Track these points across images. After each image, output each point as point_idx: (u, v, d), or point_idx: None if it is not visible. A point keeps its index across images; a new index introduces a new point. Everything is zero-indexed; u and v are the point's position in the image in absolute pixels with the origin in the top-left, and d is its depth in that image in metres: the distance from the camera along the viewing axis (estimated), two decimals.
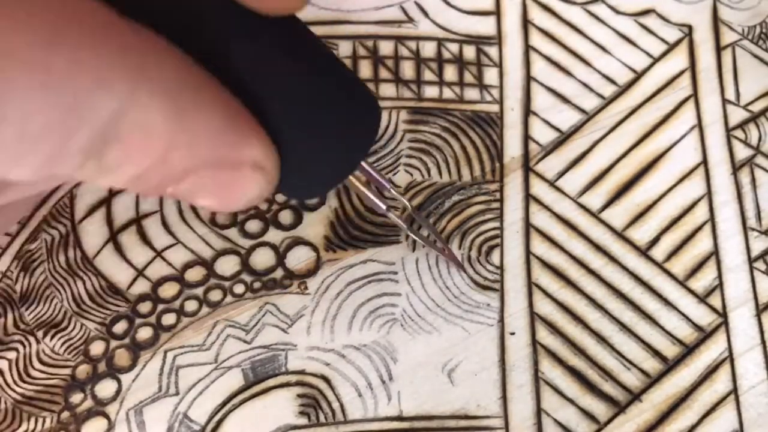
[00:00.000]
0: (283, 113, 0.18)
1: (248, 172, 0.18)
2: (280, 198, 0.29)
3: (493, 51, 0.32)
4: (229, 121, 0.17)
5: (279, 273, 0.28)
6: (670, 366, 0.27)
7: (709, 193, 0.30)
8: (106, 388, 0.26)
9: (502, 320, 0.27)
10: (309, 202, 0.29)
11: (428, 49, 0.32)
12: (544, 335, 0.27)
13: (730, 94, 0.32)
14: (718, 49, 0.32)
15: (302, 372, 0.26)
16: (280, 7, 0.18)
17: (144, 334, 0.27)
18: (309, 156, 0.20)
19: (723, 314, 0.28)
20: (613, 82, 0.32)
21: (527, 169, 0.30)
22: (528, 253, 0.29)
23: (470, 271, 0.28)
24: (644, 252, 0.29)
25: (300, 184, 0.21)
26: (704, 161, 0.30)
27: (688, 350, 0.27)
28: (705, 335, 0.27)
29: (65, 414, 0.26)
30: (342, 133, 0.20)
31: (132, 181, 0.17)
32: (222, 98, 0.17)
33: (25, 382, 0.26)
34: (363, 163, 0.23)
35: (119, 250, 0.28)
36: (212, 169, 0.18)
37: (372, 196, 0.25)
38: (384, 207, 0.25)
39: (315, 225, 0.29)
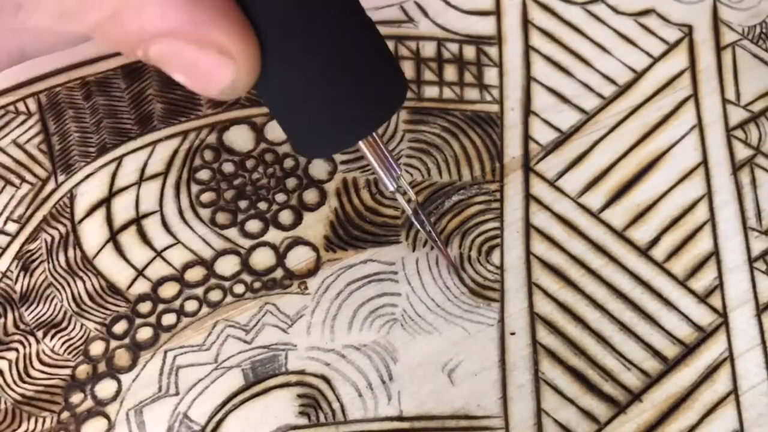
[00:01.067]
0: (308, 54, 0.19)
1: (214, 55, 0.19)
2: (280, 198, 0.29)
3: (493, 51, 0.32)
4: (204, 3, 0.18)
5: (279, 273, 0.28)
6: (670, 366, 0.27)
7: (709, 193, 0.30)
8: (106, 388, 0.26)
9: (502, 320, 0.27)
10: (309, 202, 0.29)
11: (428, 49, 0.32)
12: (544, 335, 0.27)
13: (730, 94, 0.32)
14: (718, 49, 0.32)
15: (302, 372, 0.26)
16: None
17: (144, 334, 0.27)
18: (325, 106, 0.21)
19: (723, 314, 0.28)
20: (613, 82, 0.32)
21: (527, 169, 0.30)
22: (528, 253, 0.29)
23: (470, 271, 0.28)
24: (644, 252, 0.29)
25: (311, 135, 0.21)
26: (704, 161, 0.30)
27: (689, 350, 0.27)
28: (705, 335, 0.27)
29: (65, 414, 0.26)
30: (362, 93, 0.21)
31: (98, 27, 0.18)
32: None
33: (25, 382, 0.26)
34: (379, 141, 0.23)
35: (119, 250, 0.28)
36: (179, 41, 0.18)
37: (382, 173, 0.24)
38: (392, 187, 0.25)
39: (315, 225, 0.29)
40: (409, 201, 0.27)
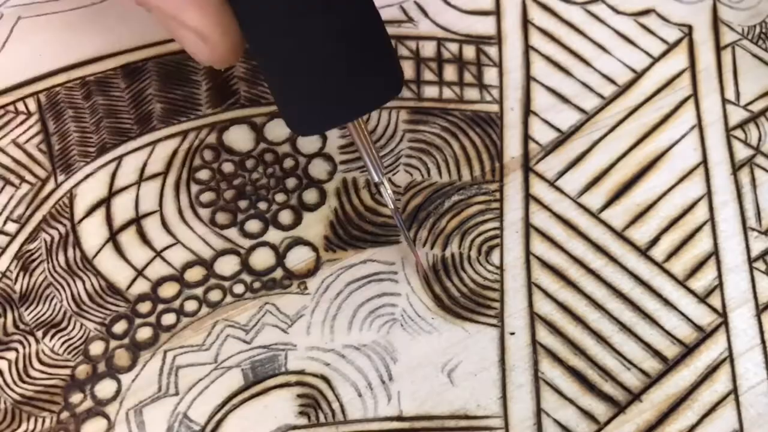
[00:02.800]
0: (307, 35, 0.21)
1: (189, 35, 0.22)
2: (280, 198, 0.29)
3: (492, 51, 0.32)
4: None
5: (279, 273, 0.28)
6: (670, 366, 0.27)
7: (709, 193, 0.30)
8: (105, 388, 0.26)
9: (502, 320, 0.27)
10: (309, 202, 0.29)
11: (428, 49, 0.32)
12: (544, 335, 0.27)
13: (730, 94, 0.32)
14: (718, 48, 0.32)
15: (302, 372, 0.26)
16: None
17: (144, 334, 0.27)
18: (319, 84, 0.22)
19: (723, 314, 0.28)
20: (613, 82, 0.32)
21: (527, 169, 0.30)
22: (528, 253, 0.29)
23: (470, 271, 0.28)
24: (644, 252, 0.29)
25: (303, 111, 0.23)
26: (704, 161, 0.30)
27: (688, 350, 0.27)
28: (705, 335, 0.27)
29: (65, 414, 0.26)
30: (359, 77, 0.22)
31: None
32: None
33: (24, 382, 0.26)
34: (366, 133, 0.24)
35: (119, 250, 0.28)
36: (163, 12, 0.21)
37: (369, 162, 0.25)
38: (377, 178, 0.25)
39: (315, 225, 0.29)
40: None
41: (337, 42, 0.21)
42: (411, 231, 0.29)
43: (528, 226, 0.29)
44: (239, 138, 0.30)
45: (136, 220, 0.28)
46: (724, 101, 0.31)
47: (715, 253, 0.29)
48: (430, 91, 0.31)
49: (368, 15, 0.22)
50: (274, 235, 0.28)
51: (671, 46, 0.32)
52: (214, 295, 0.27)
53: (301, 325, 0.27)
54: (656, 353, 0.27)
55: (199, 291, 0.28)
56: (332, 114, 0.23)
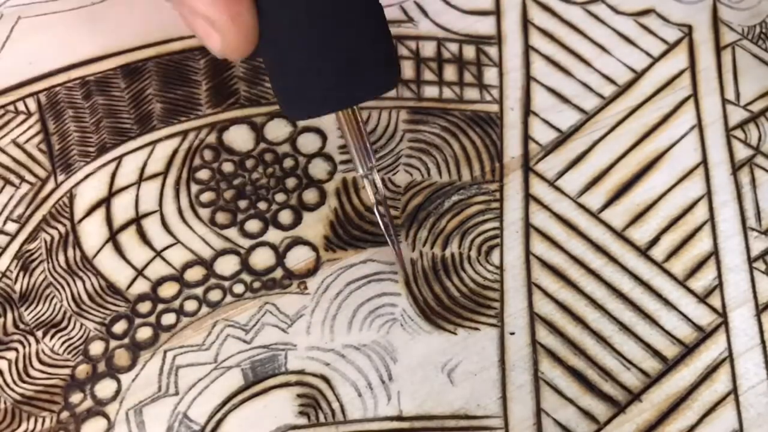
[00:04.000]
0: (308, 22, 0.21)
1: (203, 25, 0.22)
2: (280, 198, 0.29)
3: (492, 51, 0.32)
4: None
5: (279, 273, 0.28)
6: (670, 366, 0.27)
7: (709, 193, 0.30)
8: (105, 388, 0.26)
9: (502, 320, 0.27)
10: (309, 202, 0.29)
11: (428, 49, 0.32)
12: (544, 335, 0.27)
13: (730, 94, 0.32)
14: (718, 49, 0.32)
15: (302, 372, 0.26)
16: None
17: (143, 334, 0.27)
18: (315, 70, 0.22)
19: (723, 314, 0.28)
20: (613, 82, 0.32)
21: (527, 169, 0.30)
22: (528, 253, 0.29)
23: (470, 271, 0.28)
24: (644, 252, 0.29)
25: (297, 94, 0.23)
26: (704, 161, 0.30)
27: (688, 350, 0.27)
28: (705, 335, 0.27)
29: (65, 414, 0.26)
30: (356, 66, 0.22)
31: None
32: None
33: (24, 382, 0.26)
34: (361, 124, 0.25)
35: (119, 250, 0.28)
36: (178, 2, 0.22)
37: (355, 153, 0.25)
38: (362, 171, 0.25)
39: (315, 225, 0.29)
40: (377, 193, 0.27)
41: (337, 27, 0.22)
42: (411, 231, 0.29)
43: (528, 226, 0.29)
44: (239, 138, 0.30)
45: (136, 220, 0.28)
46: (724, 101, 0.31)
47: (715, 253, 0.29)
48: (430, 91, 0.31)
49: (373, 7, 0.23)
50: (274, 235, 0.28)
51: (671, 46, 0.32)
52: (214, 295, 0.27)
53: (301, 325, 0.27)
54: (656, 353, 0.27)
55: (199, 291, 0.28)
56: (325, 100, 0.23)
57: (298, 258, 0.28)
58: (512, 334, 0.27)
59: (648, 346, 0.27)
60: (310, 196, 0.29)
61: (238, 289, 0.28)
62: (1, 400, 0.26)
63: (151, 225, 0.28)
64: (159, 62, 0.31)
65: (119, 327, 0.27)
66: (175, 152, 0.30)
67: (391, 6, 0.32)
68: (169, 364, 0.26)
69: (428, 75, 0.31)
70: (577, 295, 0.28)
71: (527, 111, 0.31)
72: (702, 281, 0.28)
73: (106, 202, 0.29)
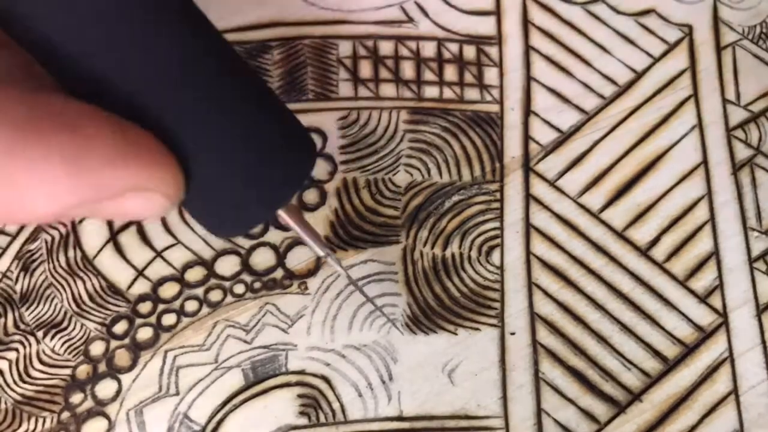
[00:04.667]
0: (199, 141, 0.18)
1: (132, 201, 0.17)
2: None
3: (493, 51, 0.32)
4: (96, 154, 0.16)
5: (279, 273, 0.28)
6: (670, 366, 0.27)
7: (709, 193, 0.30)
8: (106, 389, 0.26)
9: (502, 320, 0.27)
10: (309, 202, 0.29)
11: (428, 49, 0.32)
12: (544, 335, 0.27)
13: (731, 94, 0.32)
14: (719, 49, 0.32)
15: (302, 372, 0.26)
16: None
17: (144, 334, 0.27)
18: (226, 190, 0.19)
19: (723, 314, 0.28)
20: (613, 82, 0.32)
21: (527, 169, 0.30)
22: (528, 253, 0.29)
23: (470, 271, 0.28)
24: (644, 252, 0.29)
25: (219, 219, 0.20)
26: (704, 161, 0.30)
27: (689, 350, 0.27)
28: (705, 335, 0.27)
29: (65, 414, 0.26)
30: (265, 172, 0.19)
31: None
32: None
33: (25, 382, 0.26)
34: (295, 217, 0.22)
35: (119, 250, 0.28)
36: (87, 207, 0.17)
37: (310, 241, 0.23)
38: (323, 253, 0.24)
39: (315, 225, 0.29)
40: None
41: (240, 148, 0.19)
42: (411, 231, 0.29)
43: (528, 226, 0.29)
44: None
45: (137, 220, 0.28)
46: (725, 101, 0.31)
47: (715, 253, 0.29)
48: (431, 91, 0.31)
49: (266, 101, 0.19)
50: (274, 235, 0.29)
51: (671, 47, 0.32)
52: (215, 295, 0.28)
53: (301, 325, 0.27)
54: (656, 353, 0.27)
55: (199, 291, 0.28)
56: (249, 216, 0.21)
57: (299, 258, 0.28)
58: (513, 334, 0.27)
59: (648, 347, 0.27)
60: (311, 196, 0.29)
61: (239, 289, 0.28)
62: (2, 400, 0.26)
63: (152, 225, 0.28)
64: None
65: (120, 327, 0.27)
66: None
67: (392, 6, 0.32)
68: (169, 364, 0.26)
69: (428, 75, 0.31)
70: (578, 295, 0.28)
71: (527, 111, 0.31)
72: (702, 281, 0.28)
73: None
